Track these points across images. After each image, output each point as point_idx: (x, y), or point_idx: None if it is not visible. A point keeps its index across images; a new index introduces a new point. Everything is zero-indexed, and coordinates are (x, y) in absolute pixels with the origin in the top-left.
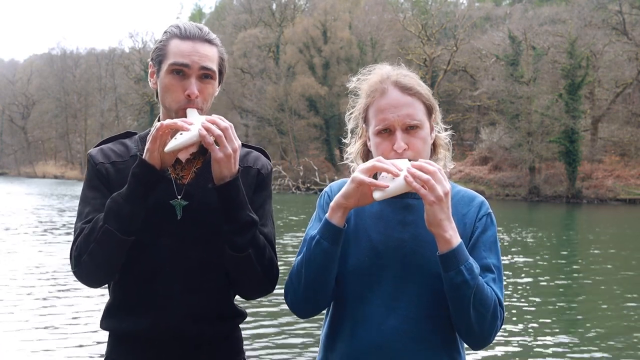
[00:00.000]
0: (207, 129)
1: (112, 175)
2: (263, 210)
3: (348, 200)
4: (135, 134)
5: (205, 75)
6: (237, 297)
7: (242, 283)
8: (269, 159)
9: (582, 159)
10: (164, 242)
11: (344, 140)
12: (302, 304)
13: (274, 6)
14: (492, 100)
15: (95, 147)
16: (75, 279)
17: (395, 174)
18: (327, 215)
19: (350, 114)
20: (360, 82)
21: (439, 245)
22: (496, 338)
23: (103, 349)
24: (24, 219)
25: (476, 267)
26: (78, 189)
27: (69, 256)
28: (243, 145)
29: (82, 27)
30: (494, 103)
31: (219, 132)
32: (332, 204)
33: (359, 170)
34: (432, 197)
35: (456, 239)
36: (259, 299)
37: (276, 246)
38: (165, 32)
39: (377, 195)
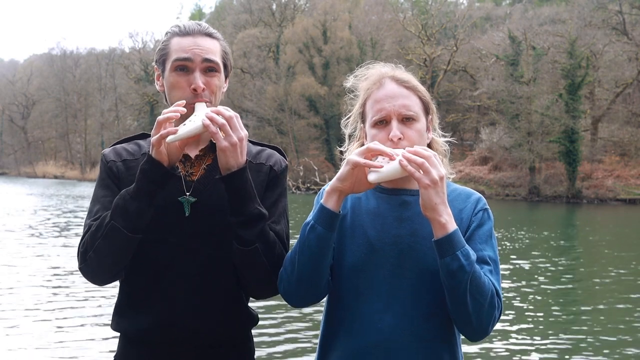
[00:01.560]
0: (211, 119)
1: (122, 172)
2: (276, 207)
3: (343, 183)
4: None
5: (209, 68)
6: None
7: (249, 279)
8: (284, 157)
9: (582, 159)
10: (172, 240)
11: (339, 149)
12: (295, 293)
13: (274, 6)
14: (492, 100)
15: (110, 147)
16: (82, 276)
17: (390, 155)
18: (322, 200)
19: (347, 119)
20: (358, 80)
21: (435, 230)
22: (493, 337)
23: (112, 349)
24: (27, 220)
25: (472, 254)
26: (79, 189)
27: (76, 253)
28: (257, 143)
29: (82, 27)
30: (494, 103)
31: (222, 121)
32: (327, 188)
33: (354, 153)
34: (427, 180)
35: (452, 225)
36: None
37: None
38: (166, 33)
39: (372, 177)
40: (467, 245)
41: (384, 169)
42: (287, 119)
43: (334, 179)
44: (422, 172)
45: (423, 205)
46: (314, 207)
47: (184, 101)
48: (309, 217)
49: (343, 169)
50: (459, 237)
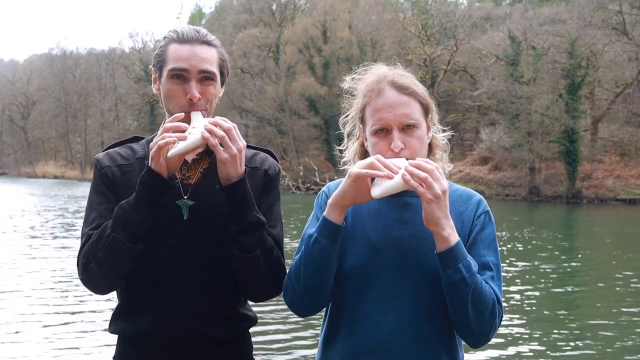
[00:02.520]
0: (210, 131)
1: (118, 178)
2: (271, 211)
3: (345, 197)
4: (143, 138)
5: (205, 77)
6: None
7: (249, 284)
8: (276, 160)
9: (582, 159)
10: (171, 243)
11: (338, 148)
12: (300, 302)
13: (274, 6)
14: (492, 100)
15: (103, 151)
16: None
17: (395, 171)
18: (325, 213)
19: (345, 116)
20: (356, 82)
21: (437, 243)
22: (494, 339)
23: (110, 353)
24: (29, 222)
25: (474, 265)
26: (80, 189)
27: (76, 262)
28: (250, 146)
29: (82, 27)
30: (494, 103)
31: (222, 133)
32: (329, 201)
33: (356, 166)
34: (429, 195)
35: (454, 237)
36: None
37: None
38: (164, 37)
39: (375, 192)
40: (469, 256)
41: (387, 184)
42: (287, 119)
43: (337, 192)
44: (425, 187)
45: (426, 219)
46: (313, 211)
47: (182, 118)
48: (312, 229)
49: (345, 182)
50: (461, 249)
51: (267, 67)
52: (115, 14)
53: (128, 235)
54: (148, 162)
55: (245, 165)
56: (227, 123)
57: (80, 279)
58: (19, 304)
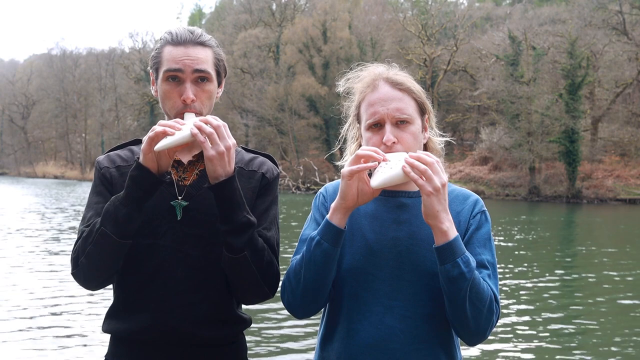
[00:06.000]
0: (199, 128)
1: (115, 178)
2: (267, 214)
3: (346, 198)
4: None
5: (200, 78)
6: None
7: (239, 286)
8: (276, 164)
9: (582, 159)
10: (165, 243)
11: (339, 162)
12: (299, 305)
13: (274, 6)
14: (492, 100)
15: (104, 154)
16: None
17: (379, 159)
18: (327, 216)
19: (347, 126)
20: (352, 82)
21: (436, 237)
22: (493, 340)
23: (102, 352)
24: (27, 221)
25: (473, 261)
26: (81, 189)
27: (70, 259)
28: (250, 151)
29: (82, 27)
30: (494, 103)
31: (210, 130)
32: (333, 205)
33: (345, 166)
34: (429, 187)
35: (453, 232)
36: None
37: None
38: (159, 39)
39: (375, 182)
40: (467, 252)
41: (387, 174)
42: (287, 119)
43: (337, 196)
44: (424, 179)
45: (425, 213)
46: (311, 213)
47: (184, 123)
48: (311, 230)
49: (341, 184)
50: (459, 244)
51: (267, 67)
52: (115, 14)
53: (116, 230)
54: (138, 158)
55: (243, 167)
56: (217, 121)
57: (72, 274)
58: (12, 303)
